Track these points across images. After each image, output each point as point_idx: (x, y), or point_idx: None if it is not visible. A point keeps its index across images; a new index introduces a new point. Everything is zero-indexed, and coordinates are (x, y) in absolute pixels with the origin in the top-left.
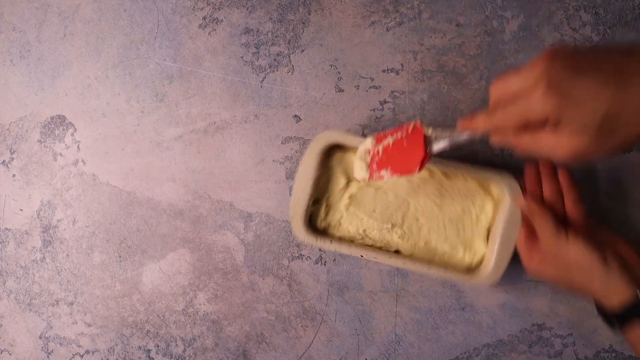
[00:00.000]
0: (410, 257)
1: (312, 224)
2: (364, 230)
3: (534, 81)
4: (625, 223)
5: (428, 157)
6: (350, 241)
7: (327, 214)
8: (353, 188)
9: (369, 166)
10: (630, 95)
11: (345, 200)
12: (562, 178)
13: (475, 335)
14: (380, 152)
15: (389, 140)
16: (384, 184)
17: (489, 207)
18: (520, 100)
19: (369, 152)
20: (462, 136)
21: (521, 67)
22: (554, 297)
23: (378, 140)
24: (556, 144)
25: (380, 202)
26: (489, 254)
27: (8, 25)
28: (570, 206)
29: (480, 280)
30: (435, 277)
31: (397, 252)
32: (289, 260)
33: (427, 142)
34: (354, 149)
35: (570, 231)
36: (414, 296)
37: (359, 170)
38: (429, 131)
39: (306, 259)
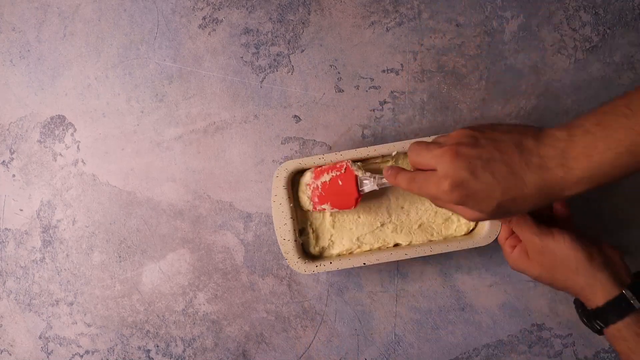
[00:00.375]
0: (410, 245)
1: (307, 252)
2: (358, 239)
3: (443, 176)
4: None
5: (361, 196)
6: (349, 253)
7: (317, 238)
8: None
9: (311, 199)
10: (516, 189)
11: (328, 219)
12: None
13: (475, 335)
14: (320, 187)
15: (326, 177)
16: None
17: None
18: (429, 185)
19: (309, 186)
20: (386, 182)
21: (432, 147)
22: (553, 297)
23: (316, 176)
24: (462, 212)
25: (361, 208)
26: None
27: (8, 25)
28: (557, 206)
29: (480, 241)
30: (438, 252)
31: (396, 245)
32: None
33: (358, 182)
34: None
35: (555, 228)
36: (414, 296)
37: (304, 202)
38: (359, 173)
39: None
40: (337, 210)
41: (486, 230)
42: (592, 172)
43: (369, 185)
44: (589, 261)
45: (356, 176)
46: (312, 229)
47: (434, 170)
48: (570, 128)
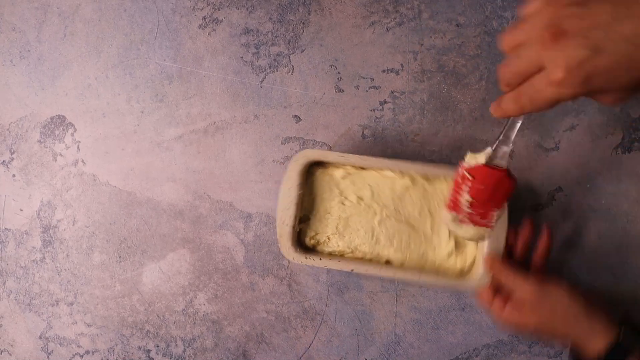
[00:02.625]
0: (402, 266)
1: (301, 241)
2: (355, 246)
3: (553, 67)
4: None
5: (506, 170)
6: (341, 255)
7: (315, 231)
8: (344, 209)
9: (474, 223)
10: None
11: (335, 218)
12: (544, 232)
13: (475, 335)
14: (470, 208)
15: (466, 197)
16: (370, 201)
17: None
18: (540, 86)
19: (458, 220)
20: (503, 136)
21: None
22: None
23: (455, 208)
24: (602, 100)
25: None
26: (479, 257)
27: (8, 26)
28: (536, 258)
29: (473, 283)
30: (427, 285)
31: (387, 262)
32: (289, 261)
33: (491, 163)
34: (336, 165)
35: (549, 276)
36: (414, 296)
37: (466, 234)
38: (482, 159)
39: None
40: (503, 204)
41: (479, 275)
42: None
43: (499, 155)
44: (588, 307)
45: (484, 165)
46: (314, 220)
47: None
48: None
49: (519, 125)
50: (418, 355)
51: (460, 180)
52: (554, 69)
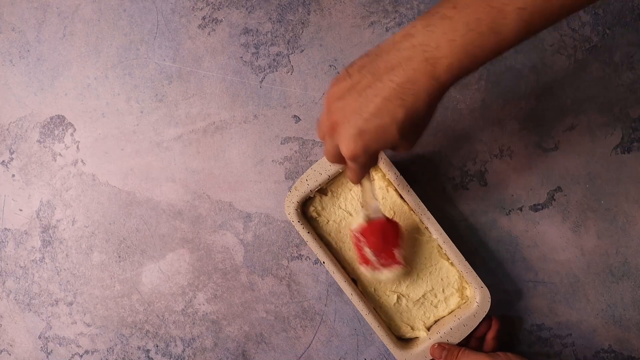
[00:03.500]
0: (361, 292)
1: (306, 208)
2: (343, 244)
3: (340, 140)
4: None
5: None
6: (327, 244)
7: (323, 208)
8: (355, 208)
9: (387, 266)
10: (406, 107)
11: (344, 212)
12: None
13: None
14: (375, 257)
15: (367, 251)
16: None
17: (453, 302)
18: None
19: (374, 270)
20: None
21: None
22: (553, 297)
23: (366, 262)
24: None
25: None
26: (425, 340)
27: (7, 26)
28: (490, 339)
29: (405, 356)
30: (369, 324)
31: (354, 280)
32: (289, 261)
33: (370, 218)
34: (382, 173)
35: (497, 352)
36: None
37: (387, 278)
38: (361, 219)
39: (305, 259)
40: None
41: (420, 350)
42: (458, 57)
43: (372, 210)
44: None
45: (366, 223)
46: (329, 200)
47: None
48: (425, 18)
49: (368, 185)
50: None
51: (357, 242)
52: (343, 150)
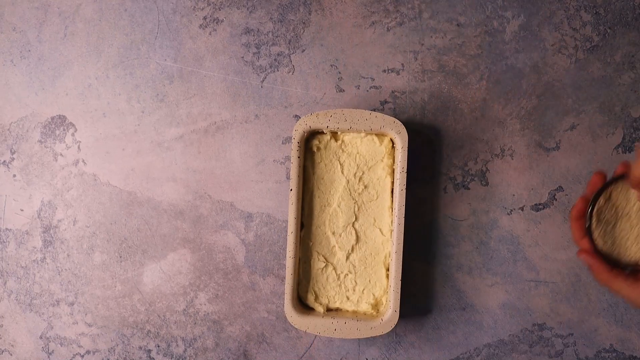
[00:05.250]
0: (300, 239)
1: (311, 138)
2: (318, 190)
3: None
4: None
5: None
6: (306, 180)
7: (325, 148)
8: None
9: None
10: None
11: (337, 168)
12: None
13: (476, 335)
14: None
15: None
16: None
17: (364, 306)
18: None
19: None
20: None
21: None
22: (554, 297)
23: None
24: None
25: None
26: (318, 316)
27: (8, 26)
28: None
29: (291, 314)
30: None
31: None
32: None
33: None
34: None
35: None
36: (415, 296)
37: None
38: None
39: None
40: None
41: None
42: None
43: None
44: None
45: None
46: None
47: None
48: None
49: None
50: (419, 355)
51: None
52: None
